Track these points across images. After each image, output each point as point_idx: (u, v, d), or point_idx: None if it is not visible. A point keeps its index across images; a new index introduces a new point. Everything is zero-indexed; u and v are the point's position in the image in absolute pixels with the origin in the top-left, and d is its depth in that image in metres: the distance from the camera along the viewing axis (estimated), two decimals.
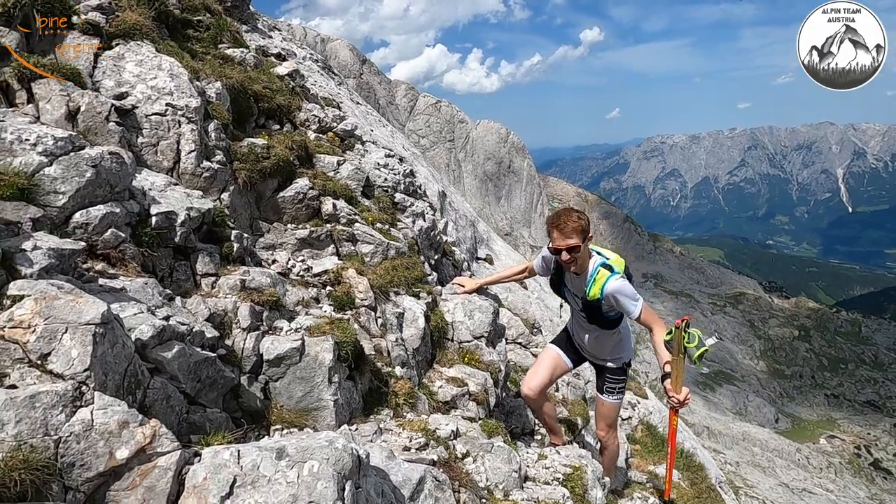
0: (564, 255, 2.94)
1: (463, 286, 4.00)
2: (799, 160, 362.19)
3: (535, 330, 6.10)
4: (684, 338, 2.87)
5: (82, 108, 2.75)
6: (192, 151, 3.10)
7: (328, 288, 3.35)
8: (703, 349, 2.84)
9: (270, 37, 6.95)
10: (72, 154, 2.15)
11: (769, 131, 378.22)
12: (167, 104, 3.07)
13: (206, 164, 3.15)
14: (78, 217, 2.11)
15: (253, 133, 3.89)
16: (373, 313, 3.33)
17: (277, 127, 4.13)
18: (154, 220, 2.42)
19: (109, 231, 2.18)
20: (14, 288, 1.52)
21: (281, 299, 2.71)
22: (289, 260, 3.41)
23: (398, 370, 3.09)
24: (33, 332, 1.43)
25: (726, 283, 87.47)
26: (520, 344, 5.19)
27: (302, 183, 3.68)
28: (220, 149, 3.31)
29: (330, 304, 3.20)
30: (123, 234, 2.24)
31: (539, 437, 4.08)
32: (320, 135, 4.40)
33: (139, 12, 3.36)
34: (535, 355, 4.91)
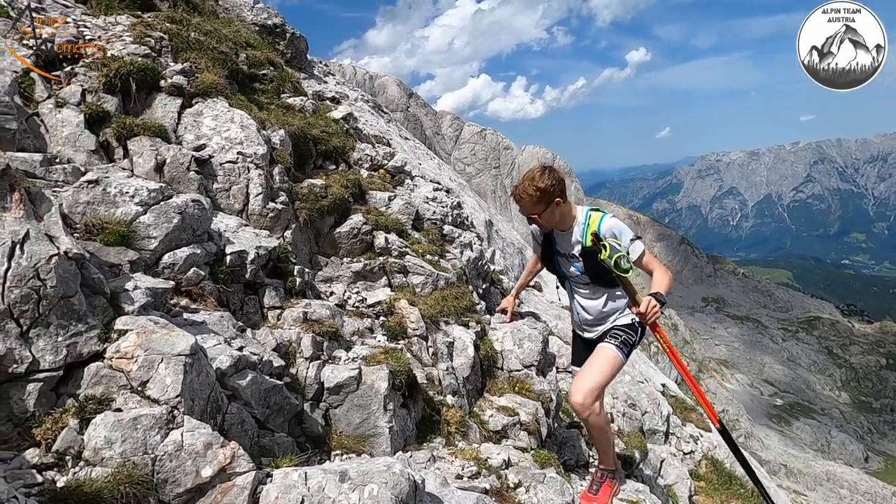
0: (537, 222, 2.88)
1: (506, 312, 4.04)
2: (874, 173, 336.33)
3: None
4: (602, 252, 2.69)
5: (168, 161, 3.12)
6: (260, 194, 3.40)
7: (381, 318, 3.52)
8: (616, 255, 2.66)
9: (325, 82, 7.46)
10: (162, 203, 2.45)
11: (837, 144, 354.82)
12: (238, 153, 3.41)
13: (271, 205, 3.44)
14: (166, 258, 2.38)
15: (312, 174, 4.20)
16: (424, 343, 3.45)
17: (333, 167, 4.43)
18: (228, 258, 2.68)
19: (192, 270, 2.44)
20: (120, 323, 1.76)
21: (339, 330, 2.89)
22: (345, 292, 3.62)
23: (450, 399, 3.17)
24: (135, 361, 1.65)
25: (798, 307, 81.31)
26: (570, 373, 5.13)
27: (356, 219, 3.91)
28: (283, 190, 3.60)
29: (384, 334, 3.35)
30: (203, 273, 2.50)
31: (594, 469, 3.98)
32: (372, 172, 4.67)
33: (215, 72, 3.77)
34: None
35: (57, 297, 1.63)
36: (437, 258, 4.23)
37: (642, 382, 7.30)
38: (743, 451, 3.30)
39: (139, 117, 3.28)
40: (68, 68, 3.24)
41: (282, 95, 4.74)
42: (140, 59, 3.39)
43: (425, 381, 3.18)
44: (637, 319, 2.90)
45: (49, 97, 3.05)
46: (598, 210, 2.93)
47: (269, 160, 3.58)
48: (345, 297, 3.56)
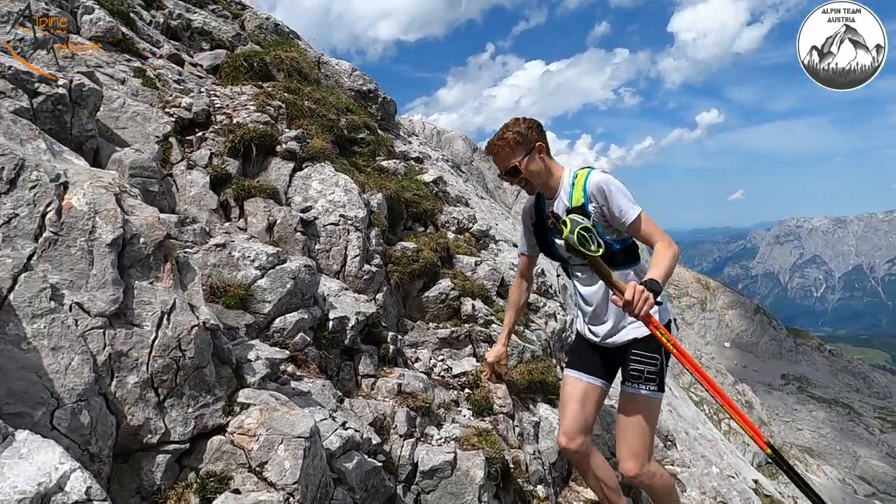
0: (517, 182, 2.36)
1: (492, 370, 3.26)
2: None
3: (669, 443, 5.49)
4: (564, 230, 2.12)
5: (278, 221, 3.27)
6: (357, 256, 3.47)
7: (467, 391, 3.39)
8: (579, 227, 2.11)
9: (410, 142, 7.79)
10: (277, 267, 2.53)
11: None
12: (340, 215, 3.53)
13: (366, 267, 3.50)
14: (277, 322, 2.43)
15: (402, 235, 4.27)
16: (510, 421, 3.27)
17: (422, 229, 4.50)
18: (331, 324, 2.70)
19: (299, 335, 2.47)
20: (242, 396, 1.77)
21: (431, 405, 2.80)
22: (430, 358, 3.55)
23: (540, 489, 2.93)
24: (256, 440, 1.63)
25: None
26: (560, 379, 4.67)
27: (445, 284, 3.89)
28: (378, 253, 3.67)
29: (469, 409, 3.22)
30: (308, 338, 2.52)
31: None
32: (458, 235, 4.69)
33: (323, 138, 4.01)
34: (672, 474, 4.36)
35: (192, 368, 1.67)
36: (522, 328, 4.09)
37: (732, 477, 6.54)
38: (803, 477, 2.50)
39: (255, 179, 3.50)
40: (200, 133, 3.56)
41: (377, 158, 4.95)
42: (261, 125, 3.67)
43: (513, 466, 2.98)
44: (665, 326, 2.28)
45: (182, 160, 3.33)
46: (587, 167, 2.36)
47: (368, 223, 3.68)
48: (430, 365, 3.48)
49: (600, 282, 2.30)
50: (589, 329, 2.51)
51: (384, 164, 4.83)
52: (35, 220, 1.54)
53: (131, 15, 4.35)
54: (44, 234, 1.54)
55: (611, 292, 2.19)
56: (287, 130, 3.90)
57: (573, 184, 2.31)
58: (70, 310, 1.52)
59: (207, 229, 2.81)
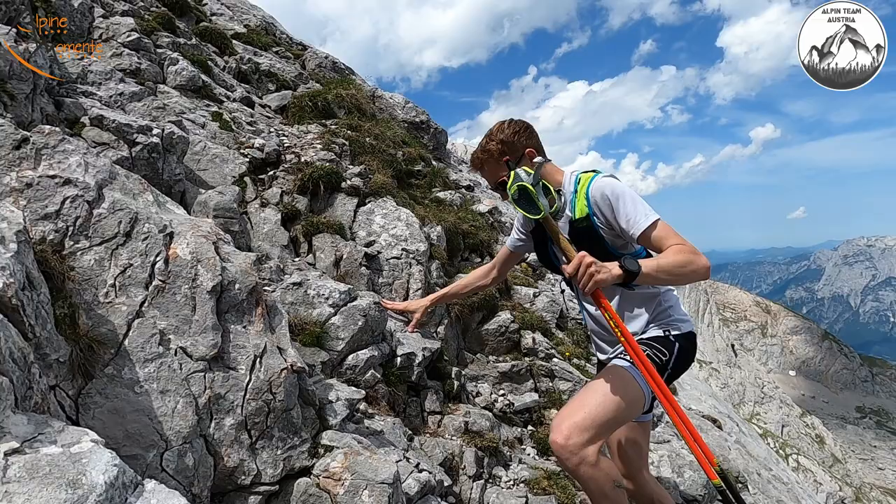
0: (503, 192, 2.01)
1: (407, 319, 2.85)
2: None
3: (740, 485, 5.13)
4: (510, 192, 1.84)
5: (344, 256, 3.38)
6: (419, 289, 3.52)
7: (530, 428, 3.33)
8: (519, 183, 1.80)
9: (460, 170, 7.89)
10: (349, 305, 2.61)
11: None
12: (403, 249, 3.61)
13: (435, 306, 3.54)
14: (350, 360, 2.49)
15: (460, 267, 4.30)
16: None
17: (479, 260, 4.51)
18: (398, 360, 2.73)
19: (370, 372, 2.52)
20: (326, 438, 1.81)
21: (498, 444, 2.76)
22: (491, 393, 3.51)
23: None
24: (342, 485, 1.66)
25: None
26: None
27: (504, 316, 3.87)
28: (438, 285, 3.70)
29: (533, 447, 3.15)
30: (378, 375, 2.56)
31: None
32: (517, 265, 4.67)
33: (384, 173, 4.14)
34: None
35: (282, 410, 1.73)
36: (583, 362, 3.99)
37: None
38: None
39: (322, 215, 3.65)
40: (271, 172, 3.76)
41: (433, 189, 5.05)
42: (327, 163, 3.83)
43: None
44: (671, 332, 1.97)
45: (256, 198, 3.52)
46: (591, 171, 2.03)
47: (429, 256, 3.73)
48: (492, 400, 3.44)
49: (619, 294, 2.00)
50: (596, 346, 2.28)
51: (440, 195, 4.92)
52: (146, 269, 1.67)
53: (208, 63, 4.70)
54: (153, 283, 1.66)
55: (621, 302, 1.99)
56: (351, 167, 4.05)
57: (576, 191, 1.97)
58: (175, 354, 1.62)
59: (281, 266, 2.93)
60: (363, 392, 2.22)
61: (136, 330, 1.59)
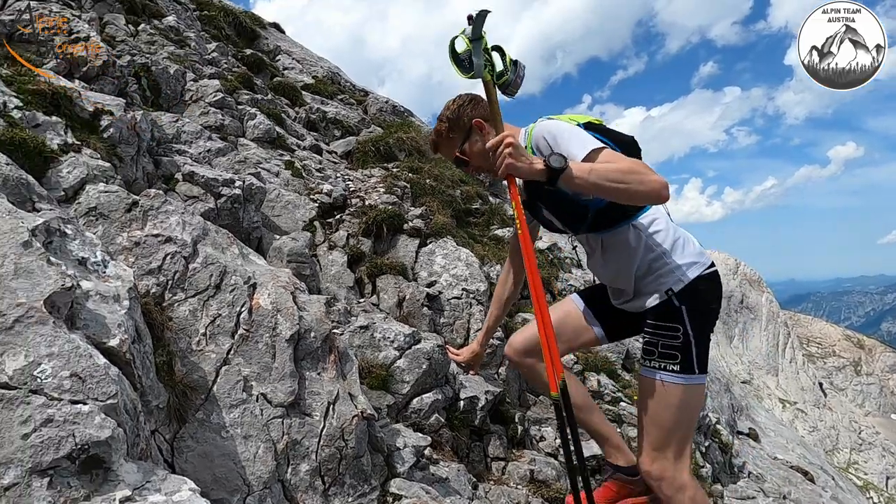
0: (473, 172, 1.95)
1: (469, 368, 2.55)
2: None
3: None
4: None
5: (406, 297, 3.46)
6: (479, 329, 3.52)
7: (598, 476, 3.17)
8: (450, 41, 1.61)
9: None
10: (414, 348, 2.66)
11: None
12: (463, 289, 3.64)
13: (489, 341, 3.53)
14: (414, 403, 2.52)
15: (520, 306, 4.27)
16: None
17: None
18: (462, 403, 2.73)
19: (434, 416, 2.53)
20: (394, 486, 1.84)
21: (564, 495, 2.65)
22: (556, 438, 3.40)
23: None
24: None
25: None
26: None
27: (566, 357, 3.77)
28: (500, 325, 3.69)
29: None
30: (442, 419, 2.57)
31: None
32: None
33: (444, 214, 4.24)
34: None
35: (353, 457, 1.78)
36: None
37: None
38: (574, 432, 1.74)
39: (385, 256, 3.78)
40: (338, 216, 3.96)
41: (491, 227, 5.09)
42: (390, 206, 3.99)
43: None
44: (672, 291, 1.73)
45: (324, 241, 3.71)
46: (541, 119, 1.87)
47: (489, 296, 3.74)
48: (556, 445, 3.33)
49: (611, 256, 1.84)
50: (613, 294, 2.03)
51: (499, 232, 4.95)
52: (233, 318, 1.80)
53: (282, 115, 5.09)
54: (238, 332, 1.79)
55: (604, 253, 1.85)
56: (412, 209, 4.19)
57: (526, 145, 1.82)
58: (257, 400, 1.72)
59: (348, 308, 3.05)
60: (429, 438, 2.23)
61: (224, 377, 1.71)
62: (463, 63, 1.68)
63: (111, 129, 2.74)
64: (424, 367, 2.59)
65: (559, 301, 2.19)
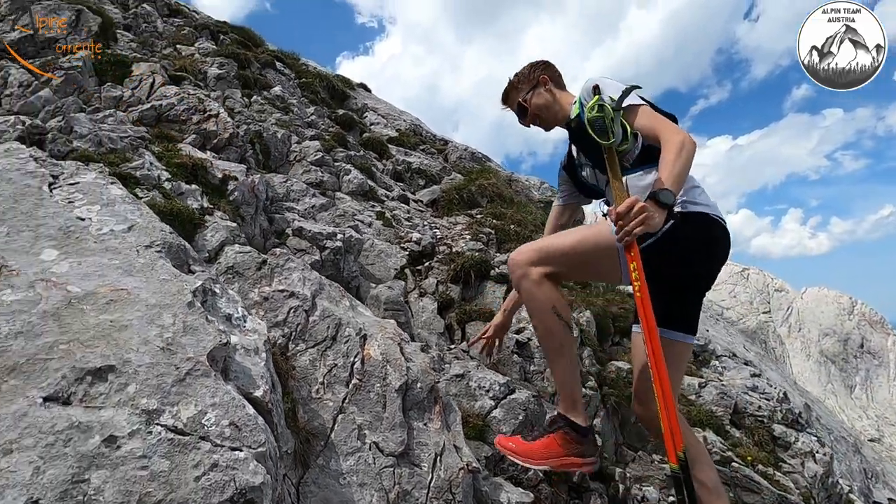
0: (529, 122, 2.15)
1: (489, 350, 2.58)
2: None
3: None
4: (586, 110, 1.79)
5: (496, 343, 3.47)
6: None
7: None
8: (600, 102, 1.76)
9: None
10: (509, 398, 2.65)
11: None
12: None
13: (581, 390, 3.42)
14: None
15: (611, 353, 4.11)
16: None
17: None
18: None
19: (532, 470, 2.47)
20: None
21: None
22: (659, 500, 3.16)
23: None
24: None
25: None
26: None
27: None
28: (591, 374, 3.57)
29: None
30: (540, 474, 2.50)
31: None
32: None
33: None
34: None
35: None
36: (770, 469, 3.42)
37: None
38: None
39: (473, 303, 3.84)
40: (427, 263, 4.11)
41: None
42: (476, 253, 4.09)
43: None
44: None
45: (415, 288, 3.86)
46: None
47: (580, 343, 3.66)
48: None
49: (631, 185, 1.87)
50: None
51: None
52: (347, 368, 1.93)
53: (372, 168, 5.46)
54: (352, 381, 1.91)
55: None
56: (498, 255, 4.25)
57: (575, 101, 2.03)
58: (370, 449, 1.80)
59: (441, 355, 3.12)
60: (531, 495, 2.19)
61: (340, 424, 1.82)
62: (604, 138, 1.81)
63: (236, 193, 3.11)
64: (521, 417, 2.57)
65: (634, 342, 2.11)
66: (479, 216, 4.85)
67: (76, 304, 1.41)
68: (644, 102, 1.86)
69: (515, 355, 3.46)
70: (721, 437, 3.54)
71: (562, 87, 2.22)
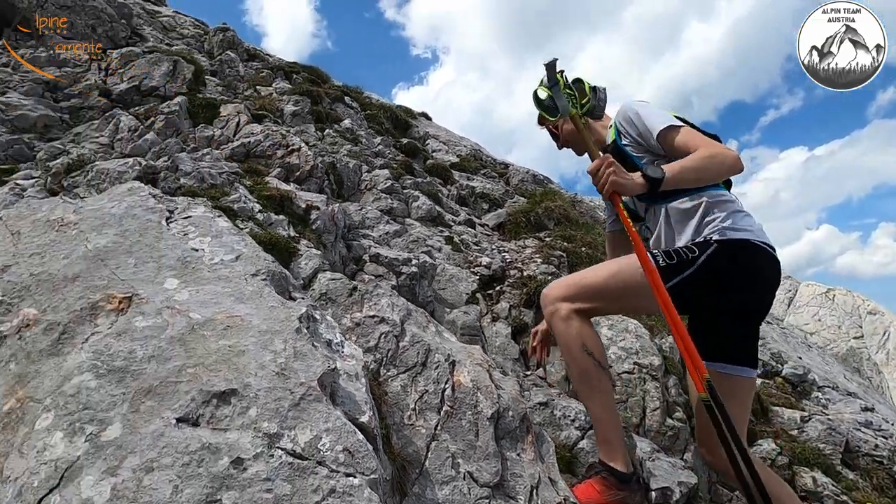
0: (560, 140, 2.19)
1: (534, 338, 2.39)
2: None
3: None
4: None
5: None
6: (657, 409, 3.24)
7: None
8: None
9: None
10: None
11: None
12: (634, 363, 3.42)
13: (669, 421, 3.22)
14: None
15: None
16: None
17: None
18: (653, 494, 2.48)
19: None
20: None
21: None
22: None
23: None
24: None
25: None
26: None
27: (766, 446, 3.26)
28: (679, 405, 3.36)
29: None
30: None
31: None
32: (766, 380, 3.99)
33: None
34: None
35: None
36: None
37: None
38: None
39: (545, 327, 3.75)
40: (498, 287, 4.08)
41: None
42: (548, 276, 4.01)
43: None
44: (712, 237, 1.75)
45: (487, 313, 3.83)
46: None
47: (664, 370, 3.46)
48: None
49: (664, 212, 1.91)
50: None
51: None
52: (438, 395, 1.92)
53: (438, 194, 5.55)
54: (444, 408, 1.89)
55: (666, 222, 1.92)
56: None
57: (611, 125, 2.07)
58: (464, 478, 1.77)
59: (520, 383, 3.05)
60: None
61: (434, 452, 1.80)
62: (549, 108, 1.97)
63: (318, 221, 3.25)
64: None
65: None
66: (547, 239, 4.78)
67: (198, 330, 1.50)
68: (683, 123, 1.87)
69: None
70: (832, 478, 3.20)
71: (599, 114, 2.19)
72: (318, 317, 1.78)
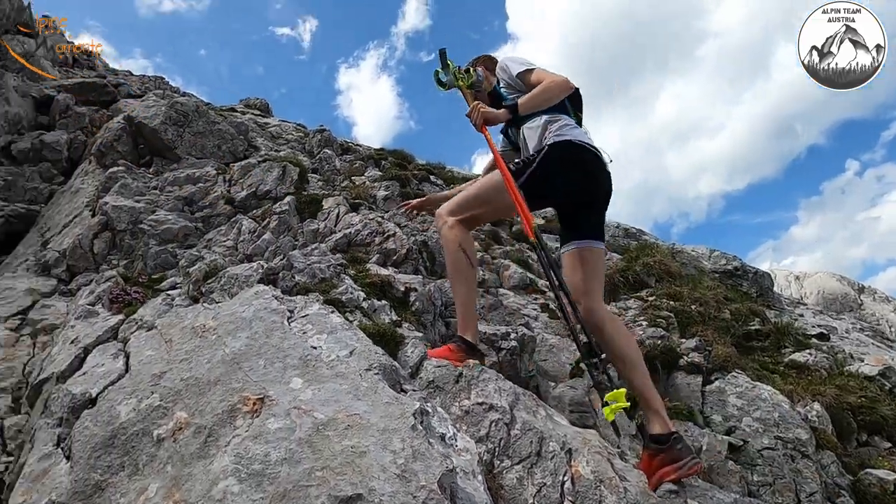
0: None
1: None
2: None
3: None
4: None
5: (704, 448, 3.00)
6: (815, 493, 2.76)
7: None
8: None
9: (801, 314, 6.54)
10: None
11: None
12: (776, 437, 3.00)
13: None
14: None
15: (858, 456, 3.26)
16: None
17: (889, 445, 3.35)
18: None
19: None
20: None
21: None
22: None
23: None
24: None
25: None
26: None
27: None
28: (842, 487, 2.84)
29: None
30: None
31: None
32: None
33: (724, 343, 3.75)
34: None
35: None
36: None
37: None
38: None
39: (665, 399, 3.44)
40: (603, 356, 3.86)
41: (783, 351, 4.25)
42: (659, 341, 3.73)
43: None
44: (545, 143, 2.38)
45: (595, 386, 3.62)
46: None
47: (816, 445, 2.98)
48: None
49: (522, 137, 2.60)
50: None
51: (797, 357, 4.08)
52: (557, 488, 1.81)
53: (528, 260, 5.54)
54: (564, 503, 1.78)
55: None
56: (683, 341, 3.83)
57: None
58: None
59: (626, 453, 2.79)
60: None
61: None
62: (441, 83, 2.68)
63: (417, 303, 3.37)
64: None
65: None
66: (651, 298, 4.50)
67: (322, 431, 1.58)
68: (535, 67, 2.47)
69: (731, 462, 2.94)
70: None
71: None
72: (429, 409, 1.80)
